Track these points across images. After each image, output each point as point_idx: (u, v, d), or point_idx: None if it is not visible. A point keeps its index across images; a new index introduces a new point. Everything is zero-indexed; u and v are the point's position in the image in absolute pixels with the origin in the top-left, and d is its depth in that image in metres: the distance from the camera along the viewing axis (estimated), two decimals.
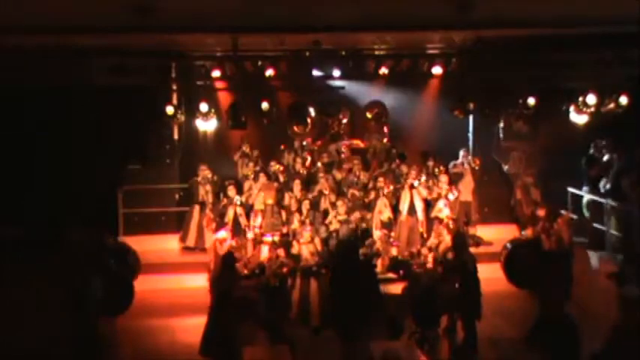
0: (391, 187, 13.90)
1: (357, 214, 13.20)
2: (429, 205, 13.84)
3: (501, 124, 15.65)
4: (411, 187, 13.79)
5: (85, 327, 10.27)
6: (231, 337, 9.66)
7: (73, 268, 11.01)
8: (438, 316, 10.55)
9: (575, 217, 13.56)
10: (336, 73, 14.35)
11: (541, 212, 13.05)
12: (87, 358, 10.19)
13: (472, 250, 11.59)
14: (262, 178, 14.04)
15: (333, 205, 13.34)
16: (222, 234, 12.74)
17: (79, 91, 13.51)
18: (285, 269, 11.54)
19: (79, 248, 11.63)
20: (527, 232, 14.12)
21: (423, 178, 14.05)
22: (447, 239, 11.89)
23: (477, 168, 14.89)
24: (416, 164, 14.65)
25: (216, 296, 10.03)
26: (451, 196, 13.77)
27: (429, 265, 12.41)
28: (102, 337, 10.78)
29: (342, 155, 15.27)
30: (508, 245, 13.28)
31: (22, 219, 13.33)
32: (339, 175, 14.65)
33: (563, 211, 13.27)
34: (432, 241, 12.68)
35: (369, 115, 15.79)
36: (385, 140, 15.79)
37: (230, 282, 10.05)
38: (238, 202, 13.58)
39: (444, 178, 14.01)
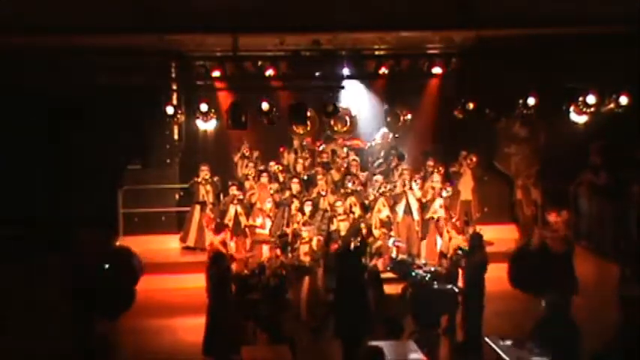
0: (388, 187, 13.89)
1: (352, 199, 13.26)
2: (424, 206, 13.81)
3: (502, 126, 15.63)
4: (404, 186, 13.79)
5: (84, 327, 10.27)
6: (232, 336, 9.68)
7: (77, 269, 11.00)
8: (438, 316, 10.54)
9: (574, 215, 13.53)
10: (337, 73, 14.34)
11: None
12: (87, 359, 10.18)
13: None
14: (263, 177, 14.04)
15: (332, 205, 13.35)
16: (224, 236, 12.63)
17: (79, 91, 13.50)
18: (284, 269, 11.53)
19: (86, 249, 11.60)
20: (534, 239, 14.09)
21: (417, 181, 14.00)
22: (457, 238, 11.91)
23: (472, 166, 14.86)
24: (412, 165, 14.64)
25: (212, 294, 10.05)
26: (444, 193, 13.69)
27: (430, 265, 12.37)
28: (102, 337, 10.77)
29: (340, 155, 15.27)
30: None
31: (22, 219, 13.31)
32: (337, 176, 14.64)
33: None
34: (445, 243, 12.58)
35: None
36: (389, 139, 15.80)
37: (220, 280, 10.02)
38: (240, 196, 13.53)
39: (436, 177, 13.98)
